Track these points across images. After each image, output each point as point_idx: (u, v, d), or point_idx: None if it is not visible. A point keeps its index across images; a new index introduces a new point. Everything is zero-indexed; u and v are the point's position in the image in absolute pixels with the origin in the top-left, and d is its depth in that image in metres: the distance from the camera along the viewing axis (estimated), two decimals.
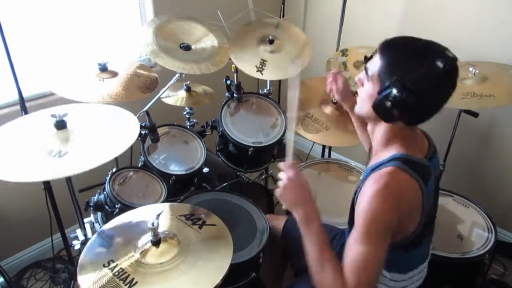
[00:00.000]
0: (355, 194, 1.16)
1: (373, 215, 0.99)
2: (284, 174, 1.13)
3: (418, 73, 0.99)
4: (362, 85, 1.14)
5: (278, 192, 1.14)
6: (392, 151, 1.09)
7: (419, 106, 1.02)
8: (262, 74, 1.99)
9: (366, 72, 1.10)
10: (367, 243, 0.99)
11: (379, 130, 1.14)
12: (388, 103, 1.02)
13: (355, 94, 2.11)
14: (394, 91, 1.00)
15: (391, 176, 1.01)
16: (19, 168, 1.13)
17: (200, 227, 1.26)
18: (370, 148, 1.39)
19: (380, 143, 1.15)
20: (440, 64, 0.98)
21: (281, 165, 1.16)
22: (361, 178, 1.24)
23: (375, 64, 1.06)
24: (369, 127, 1.19)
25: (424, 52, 1.02)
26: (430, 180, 1.08)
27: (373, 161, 1.14)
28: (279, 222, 1.66)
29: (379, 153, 1.14)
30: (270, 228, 1.58)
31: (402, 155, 1.06)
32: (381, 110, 1.06)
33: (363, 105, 1.13)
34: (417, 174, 1.03)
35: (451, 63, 1.00)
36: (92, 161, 1.15)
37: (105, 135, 1.30)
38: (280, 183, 1.13)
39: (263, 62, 2.03)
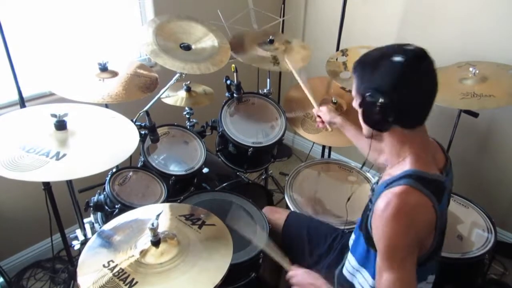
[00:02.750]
0: (367, 206, 1.18)
1: (391, 242, 1.00)
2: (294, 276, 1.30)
3: (381, 73, 1.02)
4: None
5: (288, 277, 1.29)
6: (406, 166, 1.07)
7: (399, 103, 1.02)
8: (279, 66, 2.04)
9: (353, 96, 1.14)
10: (393, 268, 1.00)
11: (387, 144, 1.13)
12: (369, 110, 1.05)
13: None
14: (369, 98, 1.04)
15: (401, 197, 1.00)
16: (17, 166, 1.13)
17: (200, 227, 1.26)
18: (369, 150, 1.40)
19: (392, 157, 1.13)
20: (397, 58, 1.01)
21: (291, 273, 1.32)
22: (367, 175, 1.24)
23: (353, 83, 1.11)
24: (381, 145, 1.18)
25: (381, 55, 1.05)
26: (444, 196, 1.08)
27: (387, 176, 1.13)
28: (279, 215, 1.66)
29: (393, 166, 1.13)
30: (270, 226, 1.58)
31: (414, 171, 1.05)
32: (370, 121, 1.09)
33: (363, 127, 1.15)
34: (429, 192, 1.02)
35: (411, 53, 1.02)
36: (90, 168, 1.16)
37: (104, 141, 1.30)
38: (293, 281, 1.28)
39: (275, 57, 2.08)
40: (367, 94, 1.04)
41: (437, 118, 2.41)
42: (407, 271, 1.01)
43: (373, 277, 1.15)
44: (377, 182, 1.25)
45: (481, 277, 1.85)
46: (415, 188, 1.02)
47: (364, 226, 1.16)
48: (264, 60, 2.07)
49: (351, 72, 1.13)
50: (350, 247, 1.31)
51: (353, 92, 1.12)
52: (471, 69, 1.81)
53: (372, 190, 1.22)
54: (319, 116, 1.71)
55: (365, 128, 1.15)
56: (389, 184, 1.06)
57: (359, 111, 1.11)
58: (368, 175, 1.99)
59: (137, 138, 1.34)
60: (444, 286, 1.65)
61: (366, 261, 1.19)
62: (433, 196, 1.03)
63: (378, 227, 1.03)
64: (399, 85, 1.01)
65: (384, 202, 1.01)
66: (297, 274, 1.29)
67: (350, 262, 1.27)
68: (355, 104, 1.13)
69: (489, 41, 2.10)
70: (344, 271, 1.30)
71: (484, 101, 1.68)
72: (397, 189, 1.02)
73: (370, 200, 1.17)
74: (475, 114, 1.85)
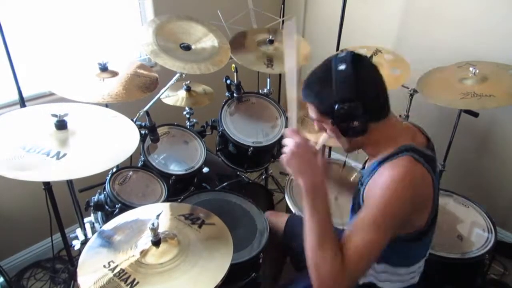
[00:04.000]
0: (357, 188, 1.18)
1: (387, 205, 0.99)
2: (291, 139, 1.10)
3: (336, 86, 1.04)
4: (325, 130, 1.17)
5: (284, 157, 1.10)
6: (397, 144, 1.08)
7: (364, 103, 1.04)
8: (273, 68, 2.03)
9: (314, 120, 1.16)
10: (376, 231, 0.98)
11: (370, 145, 1.15)
12: (345, 121, 1.06)
13: None
14: (338, 109, 1.04)
15: (407, 166, 1.02)
16: (17, 165, 1.13)
17: (200, 227, 1.26)
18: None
19: (381, 149, 1.13)
20: (341, 66, 1.04)
21: (286, 131, 1.14)
22: (363, 171, 1.23)
23: (311, 110, 1.13)
24: (365, 150, 1.19)
25: (324, 73, 1.08)
26: (436, 173, 1.10)
27: (377, 156, 1.12)
28: (280, 219, 1.66)
29: (382, 152, 1.13)
30: (270, 227, 1.58)
31: (410, 145, 1.07)
32: (348, 130, 1.08)
33: (341, 141, 1.16)
34: (428, 165, 1.04)
35: (346, 57, 1.05)
36: (91, 168, 1.16)
37: (104, 141, 1.30)
38: (286, 149, 1.09)
39: (269, 59, 2.08)
40: (335, 109, 1.04)
41: (437, 118, 2.42)
42: (385, 237, 0.99)
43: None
44: (363, 167, 1.25)
45: (481, 277, 1.85)
46: (417, 160, 1.03)
47: (357, 206, 1.15)
48: (258, 62, 2.07)
49: (303, 99, 1.14)
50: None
51: (316, 118, 1.13)
52: (471, 69, 1.81)
53: (361, 175, 1.22)
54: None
55: (344, 141, 1.15)
56: (384, 160, 1.07)
57: (332, 129, 1.12)
58: None
59: (137, 138, 1.34)
60: (444, 286, 1.65)
61: None
62: (431, 169, 1.05)
63: (378, 190, 1.02)
64: (357, 86, 1.04)
65: (389, 170, 1.02)
66: (293, 152, 1.08)
67: None
68: (327, 128, 1.14)
69: (489, 41, 2.10)
70: None
71: (484, 101, 1.68)
72: (400, 160, 1.03)
73: (360, 183, 1.18)
74: (475, 114, 1.86)
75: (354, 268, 0.98)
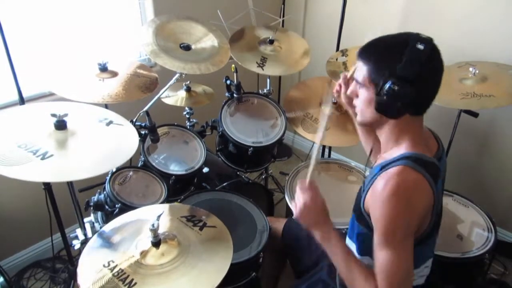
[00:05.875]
0: (361, 188, 1.18)
1: (390, 220, 1.00)
2: (302, 194, 1.16)
3: (404, 60, 1.01)
4: (357, 95, 1.15)
5: (297, 214, 1.17)
6: (402, 149, 1.09)
7: (418, 91, 1.03)
8: (263, 69, 2.02)
9: (357, 81, 1.12)
10: (391, 247, 1.01)
11: (386, 130, 1.14)
12: (390, 99, 1.04)
13: None
14: (391, 85, 1.02)
15: (400, 176, 1.01)
16: (17, 165, 1.12)
17: (201, 229, 1.26)
18: (371, 151, 1.39)
19: (389, 142, 1.14)
20: (420, 46, 1.01)
21: (299, 184, 1.19)
22: (367, 174, 1.24)
23: (362, 70, 1.09)
24: (376, 131, 1.19)
25: (401, 41, 1.04)
26: (439, 180, 1.09)
27: (381, 160, 1.14)
28: (279, 223, 1.67)
29: (388, 151, 1.14)
30: (270, 228, 1.58)
31: (411, 153, 1.06)
32: (385, 108, 1.07)
33: (365, 112, 1.14)
34: (427, 173, 1.04)
35: (430, 42, 1.03)
36: (90, 170, 1.16)
37: (104, 144, 1.30)
38: (298, 203, 1.16)
39: (263, 59, 2.07)
40: (389, 82, 1.02)
41: (437, 118, 2.42)
42: (403, 249, 1.01)
43: (363, 254, 1.19)
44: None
45: (481, 276, 1.85)
46: (412, 168, 1.03)
47: (357, 207, 1.16)
48: (251, 59, 2.07)
49: (358, 58, 1.10)
50: (348, 235, 1.31)
51: (361, 80, 1.09)
52: (471, 69, 1.81)
53: (364, 176, 1.23)
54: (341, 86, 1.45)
55: (369, 112, 1.12)
56: (385, 166, 1.07)
57: (368, 98, 1.09)
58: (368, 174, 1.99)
59: (136, 141, 1.34)
60: (444, 286, 1.65)
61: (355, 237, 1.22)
62: (430, 177, 1.04)
63: (377, 207, 1.03)
64: (424, 74, 1.02)
65: (383, 182, 1.02)
66: (305, 208, 1.15)
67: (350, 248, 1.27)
68: (363, 94, 1.11)
69: (489, 41, 2.10)
70: None
71: (484, 101, 1.68)
72: (395, 169, 1.03)
73: (362, 188, 1.18)
74: (475, 114, 1.86)
75: (388, 286, 1.00)
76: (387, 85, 1.02)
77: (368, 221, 1.11)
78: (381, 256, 1.02)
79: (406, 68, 1.01)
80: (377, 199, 1.03)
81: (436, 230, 1.18)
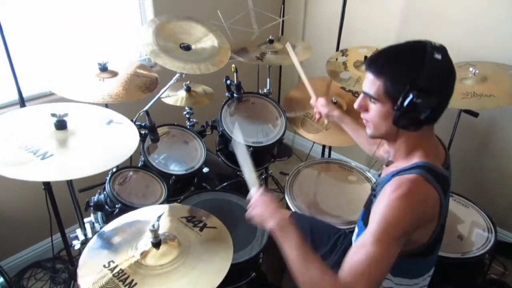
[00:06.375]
0: (369, 198, 1.17)
1: (391, 219, 0.96)
2: (252, 199, 1.22)
3: (426, 71, 0.97)
4: (367, 110, 1.11)
5: (247, 215, 1.19)
6: (415, 158, 1.07)
7: (440, 102, 1.01)
8: (262, 60, 2.07)
9: (369, 96, 1.07)
10: (379, 245, 0.95)
11: (401, 142, 1.11)
12: (412, 112, 0.99)
13: (355, 93, 2.13)
14: (414, 98, 0.97)
15: (415, 184, 0.99)
16: (16, 165, 1.12)
17: (201, 230, 1.26)
18: (374, 155, 1.39)
19: (402, 153, 1.12)
20: (438, 56, 0.98)
21: (249, 196, 1.25)
22: (376, 181, 1.20)
23: (374, 84, 1.04)
24: (388, 143, 1.16)
25: (417, 51, 1.00)
26: (448, 191, 1.07)
27: (392, 168, 1.12)
28: None
29: (400, 161, 1.13)
30: None
31: (425, 163, 1.04)
32: (406, 121, 1.02)
33: (379, 126, 1.09)
34: (439, 185, 1.02)
35: (444, 50, 1.01)
36: (90, 168, 1.16)
37: (104, 142, 1.30)
38: (249, 207, 1.21)
39: (262, 54, 2.13)
40: (411, 95, 0.97)
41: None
42: (389, 252, 0.95)
43: None
44: (379, 176, 1.25)
45: (481, 277, 1.85)
46: (426, 180, 1.01)
47: (367, 216, 1.13)
48: (250, 57, 2.12)
49: (368, 70, 1.05)
50: (353, 242, 1.31)
51: (374, 93, 1.04)
52: (471, 69, 1.81)
53: (375, 184, 1.21)
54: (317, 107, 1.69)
55: (384, 126, 1.08)
56: (397, 173, 1.05)
57: (383, 113, 1.05)
58: (368, 174, 1.99)
59: (137, 138, 1.34)
60: (444, 286, 1.65)
61: None
62: (441, 190, 1.02)
63: (380, 203, 1.00)
64: (445, 84, 1.00)
65: (395, 184, 1.00)
66: (253, 207, 1.19)
67: None
68: (371, 104, 1.08)
69: (489, 41, 2.10)
70: None
71: (484, 101, 1.68)
72: (409, 176, 1.01)
73: (374, 194, 1.16)
74: (475, 114, 1.85)
75: (354, 282, 0.92)
76: (408, 99, 0.98)
77: None
78: (364, 250, 0.95)
79: (428, 79, 0.97)
80: (384, 197, 1.00)
81: (440, 239, 1.17)
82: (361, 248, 0.97)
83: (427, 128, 1.07)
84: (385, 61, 1.04)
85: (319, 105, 1.67)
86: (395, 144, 1.13)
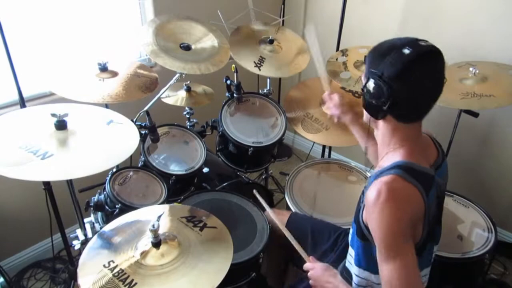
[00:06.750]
0: (360, 198, 1.18)
1: (386, 231, 1.00)
2: (312, 266, 1.29)
3: (387, 62, 1.03)
4: None
5: (311, 283, 1.29)
6: (396, 157, 1.08)
7: (397, 94, 1.03)
8: (260, 69, 2.01)
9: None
10: (393, 258, 1.00)
11: (379, 134, 1.16)
12: (368, 96, 1.08)
13: (355, 93, 2.13)
14: (370, 83, 1.06)
15: (388, 185, 1.01)
16: (16, 165, 1.12)
17: (201, 230, 1.26)
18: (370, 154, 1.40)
19: (383, 146, 1.15)
20: (406, 50, 1.02)
21: (308, 260, 1.34)
22: (368, 175, 1.26)
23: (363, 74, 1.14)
24: (375, 135, 1.21)
25: (393, 44, 1.07)
26: (431, 190, 1.07)
27: (377, 168, 1.14)
28: (283, 217, 1.66)
29: (384, 158, 1.14)
30: (271, 227, 1.58)
31: (404, 162, 1.06)
32: (367, 105, 1.12)
33: (364, 112, 1.19)
34: (417, 182, 1.03)
35: (421, 49, 1.02)
36: (90, 168, 1.16)
37: (104, 141, 1.30)
38: (311, 275, 1.28)
39: (261, 59, 2.06)
40: (370, 80, 1.06)
41: (437, 118, 2.41)
42: (408, 257, 1.00)
43: (357, 265, 1.19)
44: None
45: (481, 277, 1.85)
46: (402, 178, 1.02)
47: (357, 218, 1.17)
48: (249, 58, 2.06)
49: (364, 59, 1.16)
50: (349, 241, 1.32)
51: (362, 77, 1.15)
52: (471, 69, 1.81)
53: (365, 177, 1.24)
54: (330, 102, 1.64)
55: (365, 113, 1.17)
56: (378, 175, 1.07)
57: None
58: (368, 174, 1.99)
59: (137, 138, 1.34)
60: (444, 286, 1.65)
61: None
62: (421, 186, 1.03)
63: (372, 218, 1.04)
64: (401, 76, 1.02)
65: (374, 192, 1.02)
66: (315, 267, 1.29)
67: (351, 255, 1.27)
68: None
69: (488, 41, 2.10)
70: (347, 264, 1.31)
71: (484, 101, 1.68)
72: (385, 178, 1.03)
73: (363, 192, 1.18)
74: (475, 114, 1.86)
75: None
76: (367, 83, 1.08)
77: (365, 233, 1.11)
78: (386, 270, 1.01)
79: (384, 68, 1.03)
80: (371, 210, 1.03)
81: (432, 238, 1.18)
82: (383, 268, 1.03)
83: (406, 126, 1.09)
84: (373, 48, 1.12)
85: (332, 103, 1.62)
86: (377, 137, 1.19)
